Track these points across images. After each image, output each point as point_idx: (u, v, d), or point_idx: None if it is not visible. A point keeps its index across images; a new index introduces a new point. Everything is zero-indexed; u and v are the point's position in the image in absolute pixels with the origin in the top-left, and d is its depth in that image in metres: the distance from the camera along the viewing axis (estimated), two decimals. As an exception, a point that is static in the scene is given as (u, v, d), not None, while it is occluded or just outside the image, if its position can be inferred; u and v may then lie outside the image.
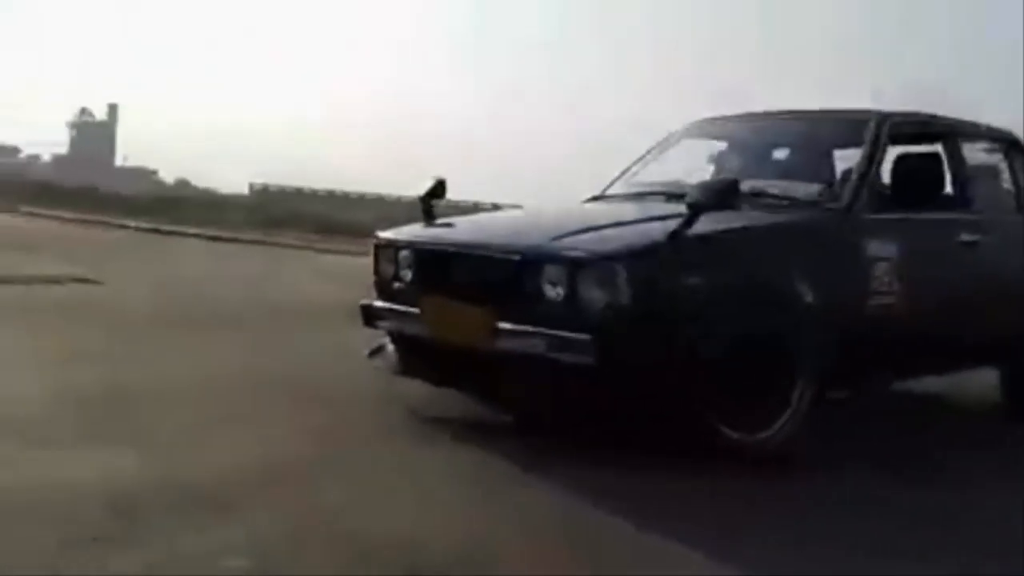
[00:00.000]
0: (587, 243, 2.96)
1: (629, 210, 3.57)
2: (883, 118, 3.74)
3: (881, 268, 3.38)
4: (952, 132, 4.06)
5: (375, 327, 3.64)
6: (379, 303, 3.58)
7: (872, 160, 3.60)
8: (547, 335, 2.84)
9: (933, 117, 4.06)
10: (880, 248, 3.40)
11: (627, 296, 2.74)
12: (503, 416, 3.46)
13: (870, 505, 2.73)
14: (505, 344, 2.97)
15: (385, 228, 3.78)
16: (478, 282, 3.14)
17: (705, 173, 4.25)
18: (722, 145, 4.46)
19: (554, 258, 2.91)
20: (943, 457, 3.49)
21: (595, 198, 4.26)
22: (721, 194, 2.94)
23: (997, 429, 4.18)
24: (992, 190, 4.21)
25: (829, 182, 3.79)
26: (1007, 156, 4.33)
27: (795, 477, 2.94)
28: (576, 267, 2.84)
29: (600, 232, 3.08)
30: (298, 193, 38.94)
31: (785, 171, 4.05)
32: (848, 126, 3.88)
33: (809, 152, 4.09)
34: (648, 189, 4.05)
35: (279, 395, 3.71)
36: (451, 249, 3.36)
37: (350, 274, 6.15)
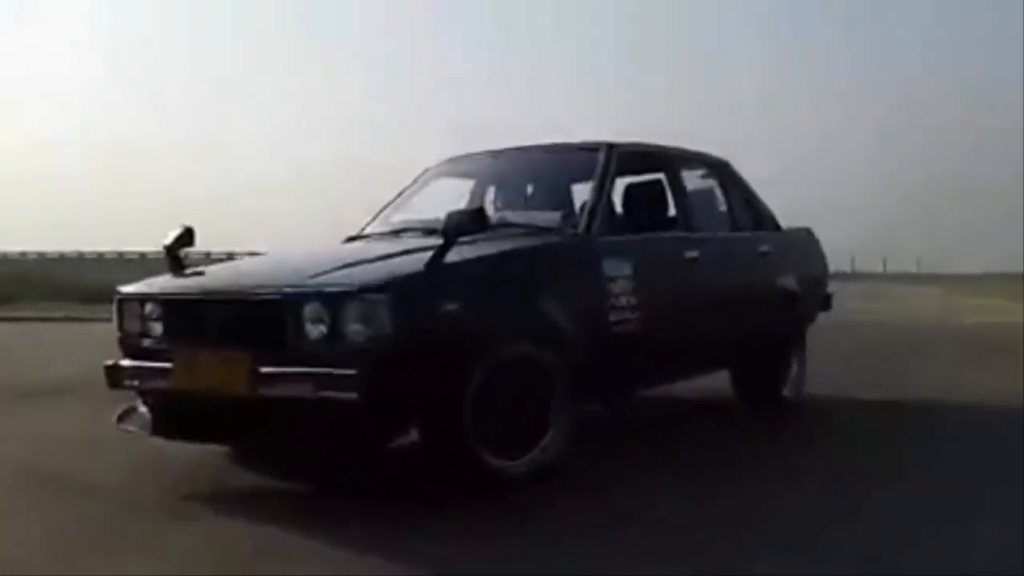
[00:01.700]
0: (346, 278, 2.98)
1: (386, 246, 3.61)
2: (610, 148, 4.05)
3: (619, 286, 3.64)
4: (672, 159, 4.47)
5: (123, 387, 3.44)
6: (125, 362, 3.39)
7: (603, 187, 3.89)
8: (311, 374, 2.82)
9: (655, 146, 4.45)
10: (616, 268, 3.67)
11: (389, 327, 2.78)
12: (263, 476, 3.37)
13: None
14: (269, 389, 2.90)
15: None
16: (235, 328, 3.07)
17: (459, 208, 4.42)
18: (470, 182, 4.64)
19: (314, 295, 2.89)
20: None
21: (352, 238, 4.28)
22: (471, 221, 3.06)
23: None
24: (709, 211, 4.66)
25: (568, 210, 4.04)
26: (720, 180, 4.82)
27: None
28: (337, 302, 2.84)
29: (359, 267, 3.11)
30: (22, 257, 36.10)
31: (528, 202, 4.28)
32: (581, 157, 4.16)
33: (549, 183, 4.35)
34: (404, 226, 4.13)
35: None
36: (202, 296, 3.26)
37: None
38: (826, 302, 5.50)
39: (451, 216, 3.04)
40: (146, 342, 3.36)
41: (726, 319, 4.38)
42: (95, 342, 4.37)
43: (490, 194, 4.65)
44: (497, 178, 4.51)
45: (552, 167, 4.39)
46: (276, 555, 2.50)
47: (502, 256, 3.31)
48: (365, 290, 2.83)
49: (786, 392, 4.94)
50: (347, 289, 2.86)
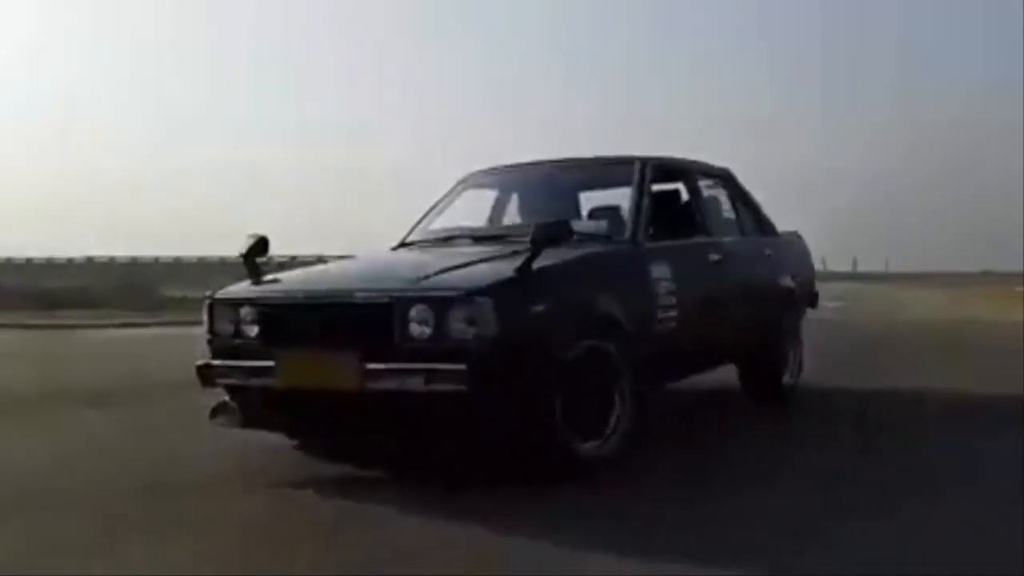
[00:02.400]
0: (451, 283, 3.28)
1: (456, 253, 3.93)
2: (644, 162, 4.43)
3: (662, 287, 4.03)
4: (689, 171, 4.88)
5: (214, 386, 3.69)
6: (218, 361, 3.65)
7: (642, 198, 4.26)
8: (419, 369, 3.12)
9: (676, 159, 4.84)
10: (660, 271, 4.05)
11: (493, 327, 3.11)
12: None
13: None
14: (376, 384, 3.20)
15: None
16: (341, 329, 3.34)
17: (500, 217, 4.79)
18: (503, 192, 4.98)
19: (423, 299, 3.20)
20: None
21: (403, 244, 4.58)
22: (559, 232, 3.41)
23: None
24: (720, 217, 5.08)
25: (609, 219, 4.39)
26: (726, 188, 5.25)
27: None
28: (444, 305, 3.15)
29: (454, 273, 3.42)
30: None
31: (564, 211, 4.63)
32: (616, 169, 4.54)
33: (580, 194, 4.73)
34: (451, 234, 4.45)
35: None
36: (306, 300, 3.53)
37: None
38: (814, 299, 5.99)
39: (539, 227, 3.37)
40: (238, 341, 3.61)
41: (741, 315, 4.81)
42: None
43: (514, 203, 5.01)
44: (531, 188, 4.86)
45: (586, 180, 4.76)
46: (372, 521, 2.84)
47: (576, 262, 3.65)
48: (471, 294, 3.15)
49: (785, 380, 5.40)
50: (455, 293, 3.18)
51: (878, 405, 5.27)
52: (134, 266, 36.85)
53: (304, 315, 3.48)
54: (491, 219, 5.03)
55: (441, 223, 4.73)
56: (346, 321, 3.35)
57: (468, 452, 3.71)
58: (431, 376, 3.11)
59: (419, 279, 3.35)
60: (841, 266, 52.63)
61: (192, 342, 4.01)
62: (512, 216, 5.04)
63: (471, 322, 3.13)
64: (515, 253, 3.57)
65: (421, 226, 4.75)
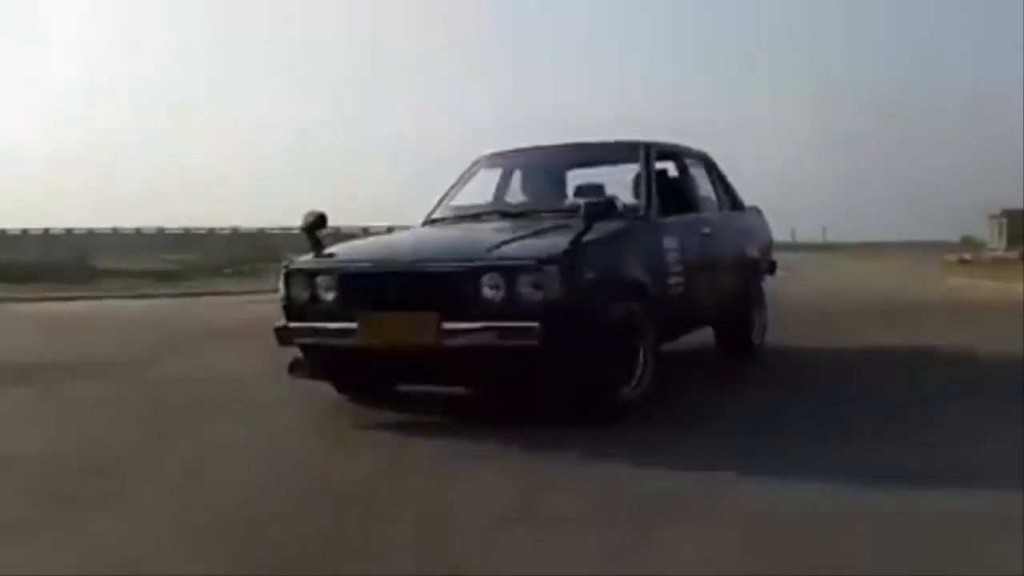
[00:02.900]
0: (520, 252, 3.85)
1: (499, 227, 4.49)
2: (647, 146, 5.06)
3: (671, 256, 4.68)
4: (679, 153, 5.52)
5: (292, 345, 4.19)
6: (295, 324, 4.14)
7: (651, 178, 4.89)
8: (494, 327, 3.69)
9: (667, 144, 5.47)
10: (670, 242, 4.70)
11: (558, 291, 3.69)
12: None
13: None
14: (453, 341, 3.75)
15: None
16: (419, 294, 3.87)
17: (514, 196, 5.35)
18: (513, 172, 5.53)
19: (496, 267, 3.75)
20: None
21: (433, 221, 5.11)
22: (606, 209, 3.99)
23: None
24: (703, 194, 5.74)
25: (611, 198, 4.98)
26: (705, 169, 5.92)
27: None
28: (517, 272, 3.71)
29: (519, 243, 3.98)
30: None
31: (575, 190, 5.21)
32: (623, 151, 5.16)
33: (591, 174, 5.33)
34: (481, 211, 5.01)
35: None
36: (387, 269, 4.04)
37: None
38: (772, 268, 6.74)
39: (590, 205, 3.95)
40: (314, 306, 4.10)
41: (722, 283, 5.51)
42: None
43: (517, 181, 5.56)
44: (544, 169, 5.44)
45: (595, 160, 5.37)
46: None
47: (613, 235, 4.24)
48: (541, 262, 3.72)
49: (753, 339, 6.14)
50: (525, 262, 3.74)
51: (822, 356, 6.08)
52: (70, 237, 37.12)
53: (384, 282, 3.99)
54: (495, 196, 5.58)
55: (467, 199, 5.27)
56: (425, 287, 3.88)
57: (523, 397, 4.31)
58: (504, 333, 3.68)
59: (488, 250, 3.90)
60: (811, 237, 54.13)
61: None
62: (516, 193, 5.60)
63: (538, 287, 3.70)
64: (559, 227, 4.15)
65: (445, 202, 5.27)
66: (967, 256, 26.21)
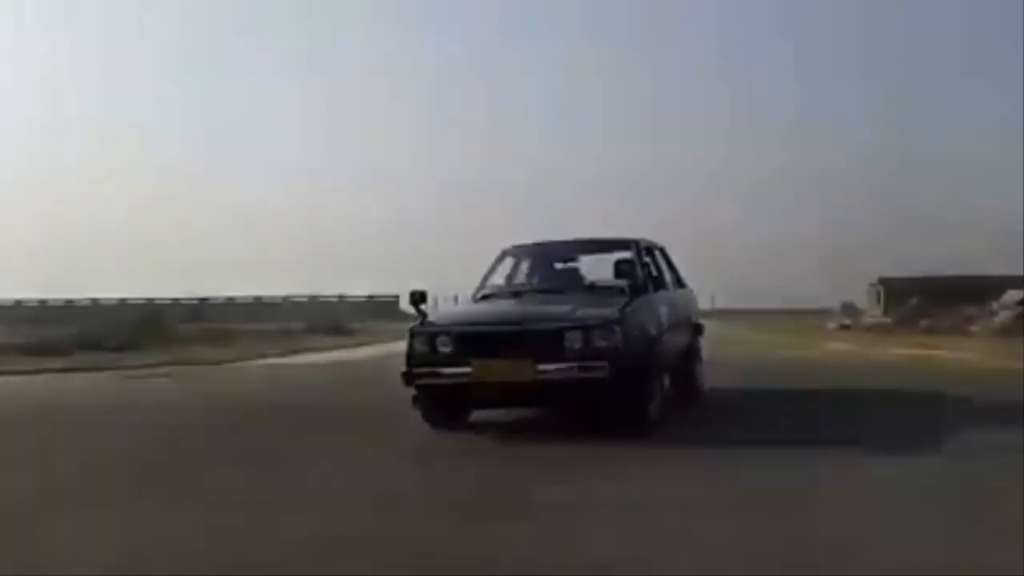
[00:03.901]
0: (591, 315, 5.66)
1: (547, 299, 6.36)
2: (638, 240, 7.06)
3: (662, 320, 6.60)
4: (651, 245, 7.53)
5: (415, 385, 5.83)
6: (417, 369, 5.79)
7: (644, 265, 6.85)
8: (576, 366, 5.48)
9: (644, 239, 7.46)
10: (660, 311, 6.63)
11: (619, 340, 5.53)
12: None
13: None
14: (544, 377, 5.51)
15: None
16: (519, 345, 5.61)
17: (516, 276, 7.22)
18: (529, 260, 7.39)
19: (577, 326, 5.56)
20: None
21: (484, 296, 6.85)
22: (643, 285, 5.88)
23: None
24: (666, 275, 7.74)
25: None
26: (662, 256, 7.94)
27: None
28: (593, 329, 5.53)
29: (585, 311, 5.78)
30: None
31: (579, 276, 7.10)
32: (620, 245, 7.10)
33: (591, 264, 7.25)
34: (520, 289, 6.83)
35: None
36: (494, 330, 5.76)
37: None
38: (701, 330, 8.81)
39: (632, 285, 5.83)
40: (434, 356, 5.76)
41: (681, 340, 7.49)
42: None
43: (544, 270, 7.39)
44: (553, 258, 7.34)
45: (597, 251, 7.30)
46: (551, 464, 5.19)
47: (638, 305, 6.12)
48: (610, 322, 5.56)
49: (700, 385, 8.12)
50: (599, 322, 5.57)
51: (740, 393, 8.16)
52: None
53: (492, 338, 5.71)
54: (509, 277, 7.39)
55: (501, 278, 7.08)
56: (522, 341, 5.63)
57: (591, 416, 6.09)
58: (583, 369, 5.47)
59: (567, 315, 5.70)
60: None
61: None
62: (523, 275, 7.44)
63: (605, 339, 5.53)
64: (601, 298, 6.02)
65: (491, 280, 7.05)
66: (847, 322, 28.40)
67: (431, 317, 6.11)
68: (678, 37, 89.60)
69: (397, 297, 52.66)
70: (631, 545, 3.32)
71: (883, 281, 37.28)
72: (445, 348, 5.80)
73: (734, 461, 4.96)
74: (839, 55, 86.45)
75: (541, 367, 5.52)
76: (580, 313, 5.77)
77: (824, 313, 34.39)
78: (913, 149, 75.84)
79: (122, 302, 50.18)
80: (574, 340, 5.57)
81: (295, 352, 18.89)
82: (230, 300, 54.60)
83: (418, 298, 6.11)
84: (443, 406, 6.05)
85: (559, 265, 7.40)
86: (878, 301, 36.24)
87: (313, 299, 53.25)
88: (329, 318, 32.42)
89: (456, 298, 6.13)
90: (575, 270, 7.34)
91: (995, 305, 21.50)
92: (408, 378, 5.82)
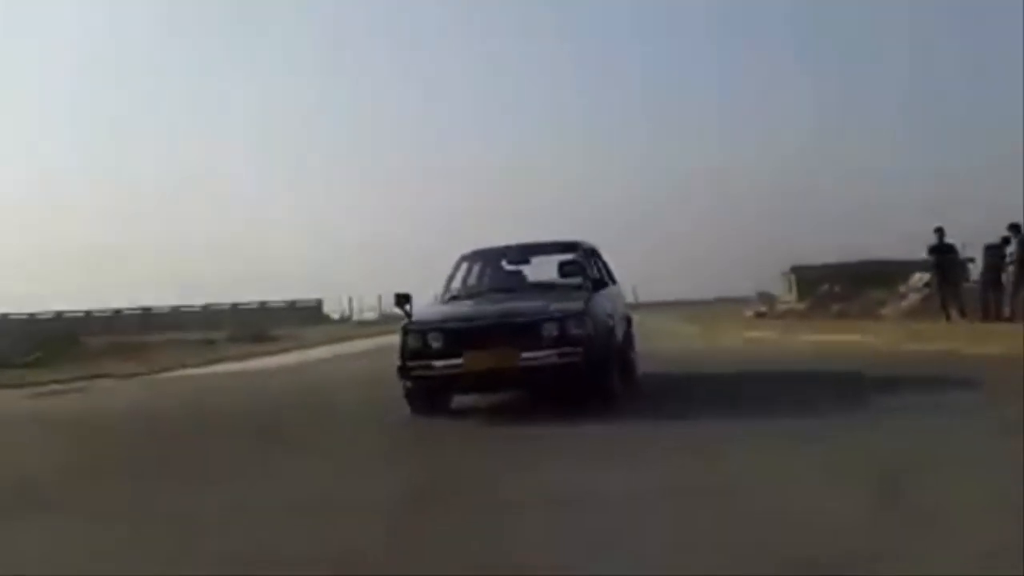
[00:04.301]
0: (563, 309, 6.52)
1: (514, 296, 7.21)
2: (581, 243, 8.00)
3: (609, 312, 7.54)
4: (592, 248, 8.46)
5: (408, 377, 6.56)
6: (411, 362, 6.53)
7: (591, 265, 7.78)
8: (554, 352, 6.34)
9: (584, 241, 8.38)
10: (607, 304, 7.57)
11: (590, 329, 6.42)
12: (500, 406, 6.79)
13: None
14: (527, 363, 6.35)
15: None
16: (504, 336, 6.42)
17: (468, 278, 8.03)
18: (485, 264, 8.21)
19: (553, 317, 6.42)
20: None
21: (452, 297, 7.62)
22: (601, 283, 6.79)
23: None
24: (603, 273, 8.69)
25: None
26: (597, 255, 8.89)
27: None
28: (566, 318, 6.40)
29: (558, 304, 6.64)
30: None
31: (524, 277, 7.99)
32: (566, 248, 8.01)
33: (545, 264, 8.13)
34: (483, 289, 7.66)
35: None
36: (481, 323, 6.55)
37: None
38: (631, 321, 9.83)
39: (595, 281, 6.74)
40: (426, 349, 6.51)
41: (620, 331, 8.46)
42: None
43: (502, 273, 8.21)
44: (507, 261, 8.18)
45: (545, 252, 8.19)
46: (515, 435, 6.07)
47: (595, 298, 7.04)
48: (579, 313, 6.44)
49: (636, 372, 9.12)
50: (572, 313, 6.44)
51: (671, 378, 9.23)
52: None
53: (480, 331, 6.51)
54: (464, 279, 8.19)
55: (461, 282, 7.87)
56: (508, 333, 6.45)
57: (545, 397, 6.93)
58: (562, 355, 6.34)
59: (543, 309, 6.56)
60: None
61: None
62: (477, 277, 8.26)
63: (579, 327, 6.42)
64: (564, 293, 6.91)
65: (453, 284, 7.83)
66: (763, 309, 29.26)
67: (415, 317, 6.85)
68: (602, 36, 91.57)
69: (320, 301, 54.37)
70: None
71: (795, 269, 37.70)
72: (437, 343, 6.56)
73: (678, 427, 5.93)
74: (774, 61, 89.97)
75: (525, 355, 6.35)
76: (554, 307, 6.64)
77: (742, 301, 35.50)
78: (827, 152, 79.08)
79: (32, 317, 47.27)
80: (552, 330, 6.43)
81: (215, 362, 19.00)
82: (146, 311, 52.24)
83: (403, 300, 6.85)
84: (434, 395, 6.79)
85: (509, 268, 8.27)
86: (790, 289, 36.75)
87: (235, 307, 51.98)
88: (251, 326, 32.61)
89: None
90: (520, 271, 8.24)
91: (903, 288, 21.71)
92: (403, 372, 6.55)
